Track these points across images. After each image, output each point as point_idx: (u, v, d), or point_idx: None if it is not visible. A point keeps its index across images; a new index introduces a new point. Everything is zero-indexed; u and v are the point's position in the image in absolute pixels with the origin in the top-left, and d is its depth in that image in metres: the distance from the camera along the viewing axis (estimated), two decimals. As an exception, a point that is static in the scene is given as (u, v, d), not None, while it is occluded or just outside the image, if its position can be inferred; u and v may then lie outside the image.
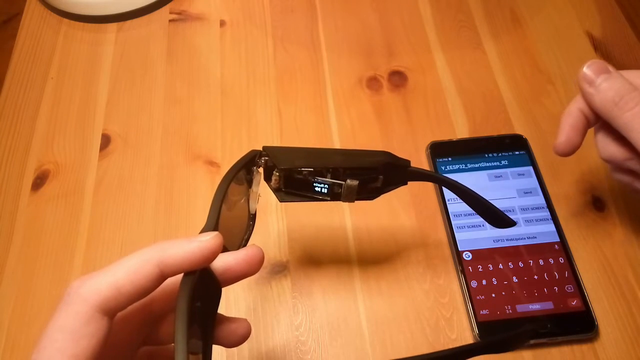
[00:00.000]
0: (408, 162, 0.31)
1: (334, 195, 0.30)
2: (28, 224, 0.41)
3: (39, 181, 0.43)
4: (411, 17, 0.51)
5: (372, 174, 0.30)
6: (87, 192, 0.42)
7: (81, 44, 0.51)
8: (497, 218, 0.33)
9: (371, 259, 0.39)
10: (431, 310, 0.37)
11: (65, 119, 0.46)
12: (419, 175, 0.33)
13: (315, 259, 0.39)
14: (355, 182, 0.29)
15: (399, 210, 0.41)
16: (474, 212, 0.35)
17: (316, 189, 0.30)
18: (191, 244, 0.21)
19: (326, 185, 0.29)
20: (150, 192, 0.42)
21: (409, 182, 0.32)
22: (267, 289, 0.38)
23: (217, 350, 0.36)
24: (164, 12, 0.52)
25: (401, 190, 0.41)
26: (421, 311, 0.37)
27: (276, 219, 0.41)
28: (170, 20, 0.52)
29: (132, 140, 0.45)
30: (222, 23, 0.51)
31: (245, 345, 0.36)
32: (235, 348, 0.36)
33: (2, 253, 0.40)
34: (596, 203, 0.41)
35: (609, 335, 0.35)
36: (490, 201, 0.33)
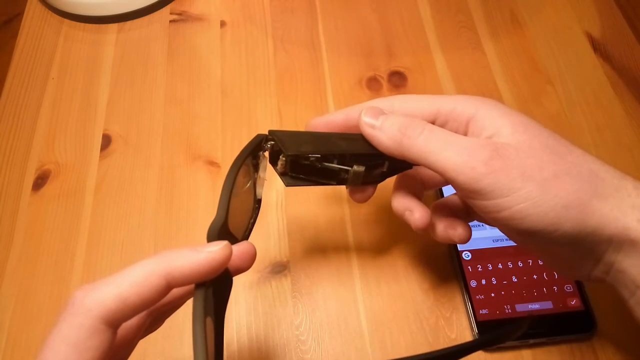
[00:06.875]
0: None
1: (340, 180, 0.30)
2: (29, 224, 0.41)
3: (40, 181, 0.43)
4: (411, 18, 0.51)
5: (379, 160, 0.30)
6: (87, 192, 0.42)
7: (82, 44, 0.51)
8: None
9: (371, 259, 0.39)
10: (431, 310, 0.37)
11: (66, 119, 0.46)
12: None
13: (316, 259, 0.39)
14: (362, 168, 0.29)
15: (398, 210, 0.41)
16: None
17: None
18: (199, 254, 0.21)
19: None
20: (151, 192, 0.42)
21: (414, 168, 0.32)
22: (267, 289, 0.38)
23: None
24: (164, 13, 0.52)
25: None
26: (421, 311, 0.37)
27: (276, 219, 0.41)
28: (170, 21, 0.52)
29: (132, 140, 0.45)
30: (223, 23, 0.52)
31: (245, 344, 0.36)
32: (235, 348, 0.36)
33: (3, 253, 0.40)
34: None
35: (608, 334, 0.35)
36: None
